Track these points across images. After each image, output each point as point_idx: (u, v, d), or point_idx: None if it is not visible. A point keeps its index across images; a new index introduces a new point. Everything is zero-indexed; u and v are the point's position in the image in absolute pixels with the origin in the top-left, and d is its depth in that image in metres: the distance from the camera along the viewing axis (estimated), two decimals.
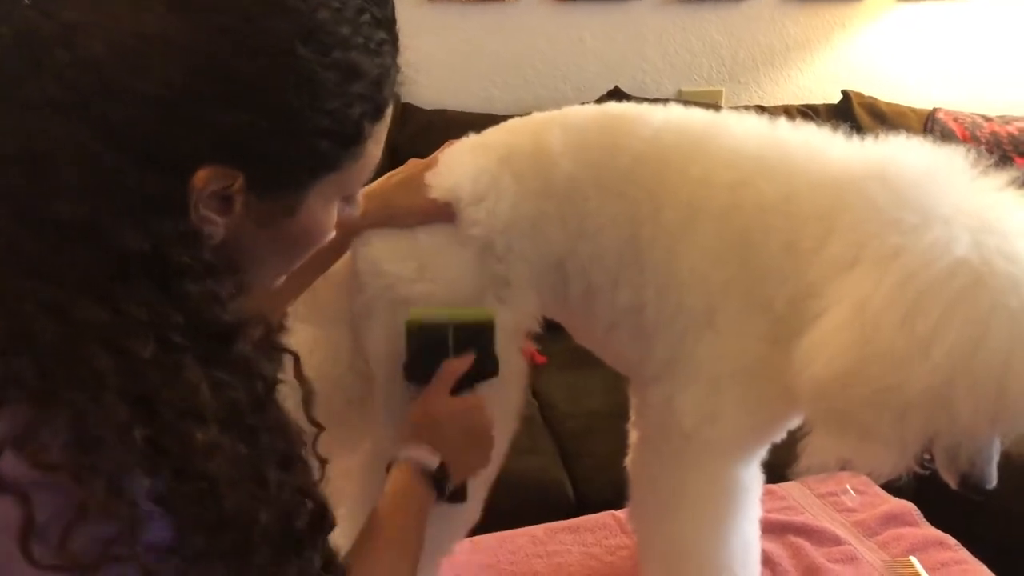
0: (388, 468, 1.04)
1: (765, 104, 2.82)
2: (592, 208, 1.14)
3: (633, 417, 1.28)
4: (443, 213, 1.14)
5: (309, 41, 0.68)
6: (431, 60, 2.63)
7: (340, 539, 1.17)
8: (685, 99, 2.81)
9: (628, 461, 1.27)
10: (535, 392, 2.09)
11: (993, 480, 0.98)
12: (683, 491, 1.19)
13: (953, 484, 1.00)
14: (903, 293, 0.92)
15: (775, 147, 1.09)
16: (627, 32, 2.77)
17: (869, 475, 1.07)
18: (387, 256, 1.15)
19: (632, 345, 1.19)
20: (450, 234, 1.15)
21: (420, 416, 1.07)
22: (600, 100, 2.61)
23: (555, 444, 1.97)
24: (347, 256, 1.19)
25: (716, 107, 2.71)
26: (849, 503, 1.61)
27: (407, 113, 2.48)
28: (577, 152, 1.15)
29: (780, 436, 1.18)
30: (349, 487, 1.23)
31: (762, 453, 1.22)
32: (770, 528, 1.49)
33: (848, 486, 1.63)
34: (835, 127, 1.11)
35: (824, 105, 2.83)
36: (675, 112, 1.18)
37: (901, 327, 0.91)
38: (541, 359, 2.17)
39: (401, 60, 0.77)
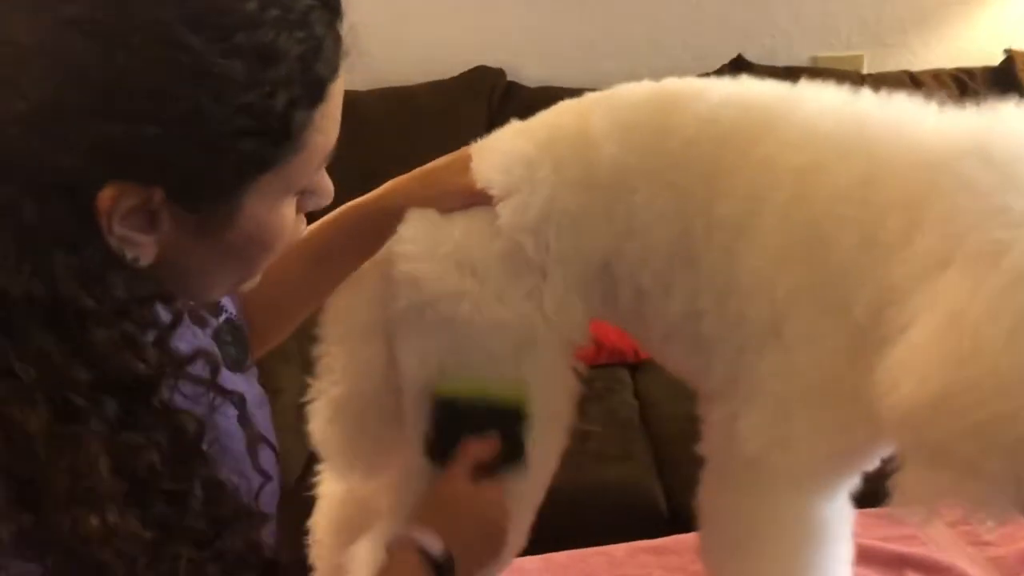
0: (388, 550, 0.94)
1: (914, 69, 2.54)
2: (639, 201, 0.98)
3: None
4: (481, 197, 1.02)
5: (199, 27, 0.59)
6: (535, 33, 2.50)
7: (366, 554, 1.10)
8: (820, 66, 2.56)
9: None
10: (636, 392, 1.94)
11: None
12: (752, 526, 1.03)
13: None
14: (1010, 301, 0.72)
15: (854, 123, 0.90)
16: None
17: (977, 517, 0.87)
18: (424, 257, 1.03)
19: (690, 358, 1.03)
20: (488, 226, 1.02)
21: (433, 497, 0.98)
22: (721, 70, 2.41)
23: (651, 449, 1.81)
24: (378, 267, 1.08)
25: (857, 74, 2.49)
26: (986, 535, 1.38)
27: (510, 92, 2.35)
28: (623, 135, 1.00)
29: (870, 465, 1.00)
30: (381, 505, 1.13)
31: (850, 484, 1.03)
32: (884, 561, 1.30)
33: None
34: (993, 93, 0.91)
35: (982, 68, 2.52)
36: (741, 86, 1.01)
37: (1008, 344, 0.72)
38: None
39: (352, 21, 0.67)
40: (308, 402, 1.13)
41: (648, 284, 1.00)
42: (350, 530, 1.20)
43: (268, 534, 0.73)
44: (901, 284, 0.81)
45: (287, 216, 0.70)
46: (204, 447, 0.67)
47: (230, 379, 0.85)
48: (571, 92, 2.47)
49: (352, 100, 2.40)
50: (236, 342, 0.92)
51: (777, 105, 0.95)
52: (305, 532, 1.28)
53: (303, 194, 0.71)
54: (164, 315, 0.69)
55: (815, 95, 0.96)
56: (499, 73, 2.40)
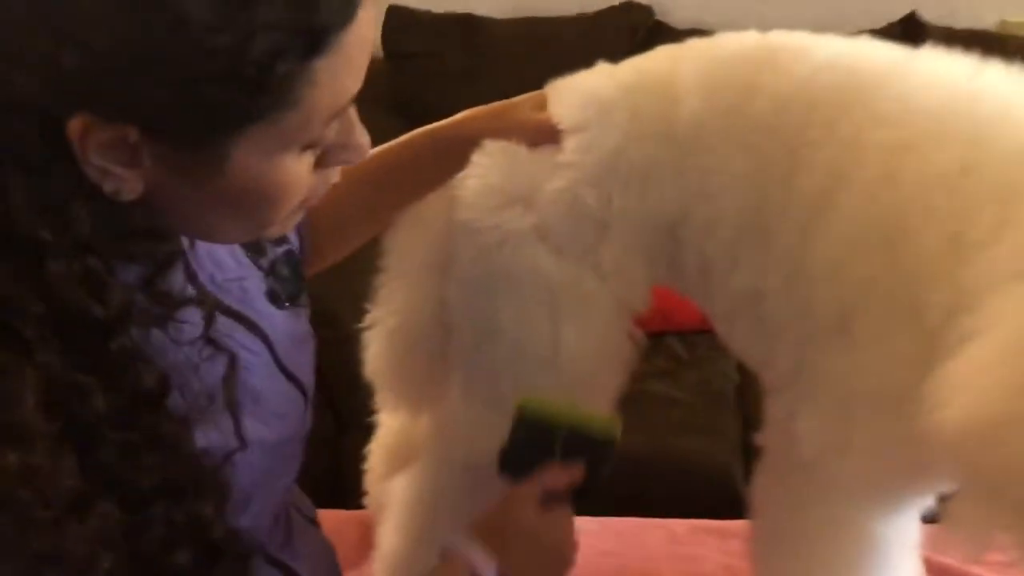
0: (440, 556, 0.89)
1: None
2: (714, 162, 0.89)
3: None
4: (553, 134, 0.95)
5: None
6: None
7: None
8: (1008, 32, 2.32)
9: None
10: (738, 366, 1.83)
11: None
12: (803, 531, 0.95)
13: None
14: None
15: (965, 101, 0.78)
16: None
17: None
18: (488, 194, 0.98)
19: (752, 342, 0.94)
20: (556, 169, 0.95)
21: (499, 517, 0.90)
22: (889, 29, 2.21)
23: (740, 427, 1.71)
24: (443, 203, 1.03)
25: None
26: None
27: (656, 32, 2.24)
28: (710, 90, 0.90)
29: (942, 486, 0.89)
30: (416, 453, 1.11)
31: (918, 503, 0.93)
32: None
33: None
34: None
35: None
36: (855, 47, 0.90)
37: None
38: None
39: None
40: (365, 328, 1.12)
41: (714, 253, 0.92)
42: (399, 461, 1.19)
43: (231, 511, 0.68)
44: (978, 288, 0.71)
45: (292, 170, 0.64)
46: (174, 400, 0.64)
47: (267, 315, 0.82)
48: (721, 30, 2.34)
49: (488, 26, 2.38)
50: (292, 276, 0.90)
51: (885, 72, 0.84)
52: (363, 458, 1.29)
53: (325, 150, 0.66)
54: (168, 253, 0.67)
55: (931, 64, 0.84)
56: (647, 10, 2.29)
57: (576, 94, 0.96)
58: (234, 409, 0.72)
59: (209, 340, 0.69)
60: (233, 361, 0.72)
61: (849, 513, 0.91)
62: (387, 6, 2.23)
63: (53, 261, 0.58)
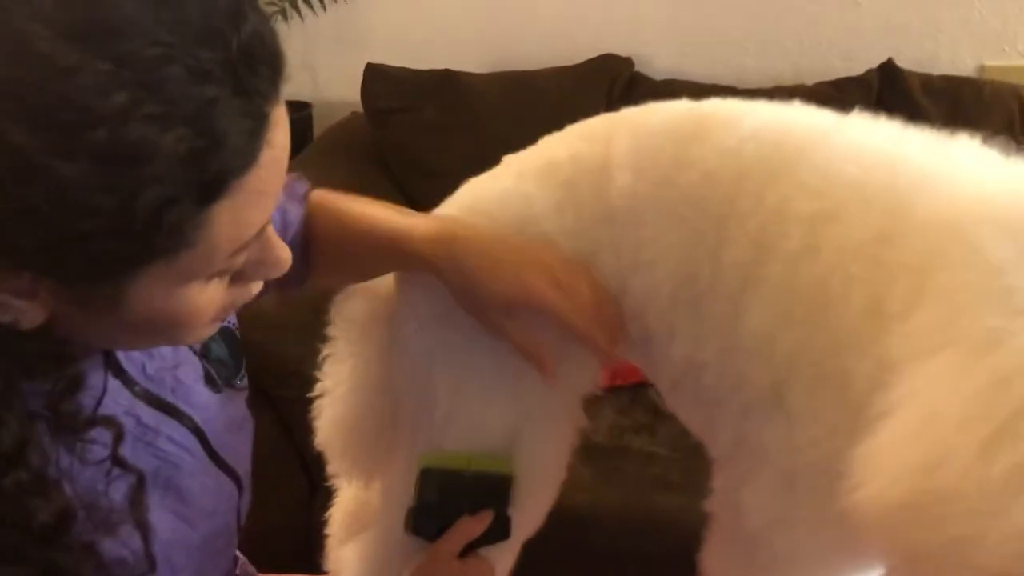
0: None
1: None
2: (648, 234, 0.89)
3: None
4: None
5: (37, 125, 0.52)
6: (672, 22, 2.36)
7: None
8: (987, 77, 2.32)
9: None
10: None
11: None
12: None
13: None
14: (988, 407, 0.61)
15: (887, 169, 0.78)
16: None
17: None
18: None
19: (695, 413, 0.94)
20: None
21: (423, 573, 0.94)
22: (866, 76, 2.21)
23: None
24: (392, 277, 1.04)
25: None
26: None
27: (633, 83, 2.25)
28: (641, 164, 0.91)
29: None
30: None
31: (869, 570, 0.91)
32: None
33: None
34: None
35: None
36: (784, 115, 0.90)
37: (978, 459, 0.61)
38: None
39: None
40: (315, 398, 1.12)
41: (653, 324, 0.91)
42: (358, 526, 1.18)
43: None
44: (896, 362, 0.70)
45: (197, 298, 0.63)
46: (82, 523, 0.63)
47: (201, 405, 0.81)
48: (699, 88, 2.35)
49: (466, 80, 2.37)
50: (229, 355, 0.88)
51: (810, 142, 0.84)
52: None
53: (240, 269, 0.65)
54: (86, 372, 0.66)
55: (856, 132, 0.84)
56: (626, 62, 2.30)
57: (508, 209, 0.95)
58: (144, 531, 0.70)
59: (117, 460, 0.68)
60: (141, 481, 0.70)
61: None
62: (365, 64, 2.25)
63: None
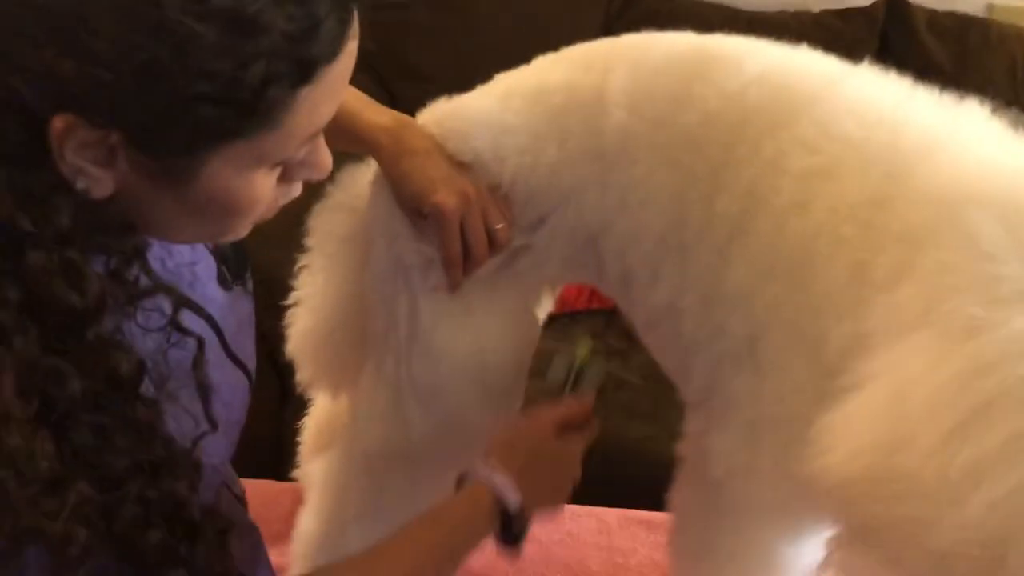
0: (459, 481, 0.91)
1: None
2: (639, 175, 0.87)
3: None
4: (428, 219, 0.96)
5: None
6: None
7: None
8: (996, 16, 2.28)
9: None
10: None
11: None
12: (712, 543, 0.95)
13: None
14: (958, 396, 0.61)
15: (888, 129, 0.76)
16: None
17: None
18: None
19: (671, 356, 0.93)
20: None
21: (525, 442, 0.94)
22: (873, 8, 2.16)
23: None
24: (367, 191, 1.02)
25: None
26: None
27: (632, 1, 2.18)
28: (639, 100, 0.88)
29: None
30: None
31: (826, 527, 0.93)
32: None
33: None
34: None
35: None
36: (790, 60, 0.87)
37: (941, 447, 0.61)
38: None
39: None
40: (290, 307, 1.12)
41: (635, 265, 0.90)
42: (328, 437, 1.20)
43: (204, 490, 0.71)
44: (874, 333, 0.69)
45: (260, 185, 0.66)
46: (145, 385, 0.66)
47: (215, 301, 0.82)
48: (700, 8, 2.29)
49: None
50: (235, 257, 0.90)
51: (814, 94, 0.81)
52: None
53: (290, 166, 0.68)
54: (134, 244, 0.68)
55: (861, 87, 0.81)
56: None
57: (483, 129, 0.94)
58: (205, 392, 0.73)
59: (177, 326, 0.71)
60: (202, 345, 0.73)
61: (756, 531, 0.91)
62: None
63: (33, 251, 0.60)
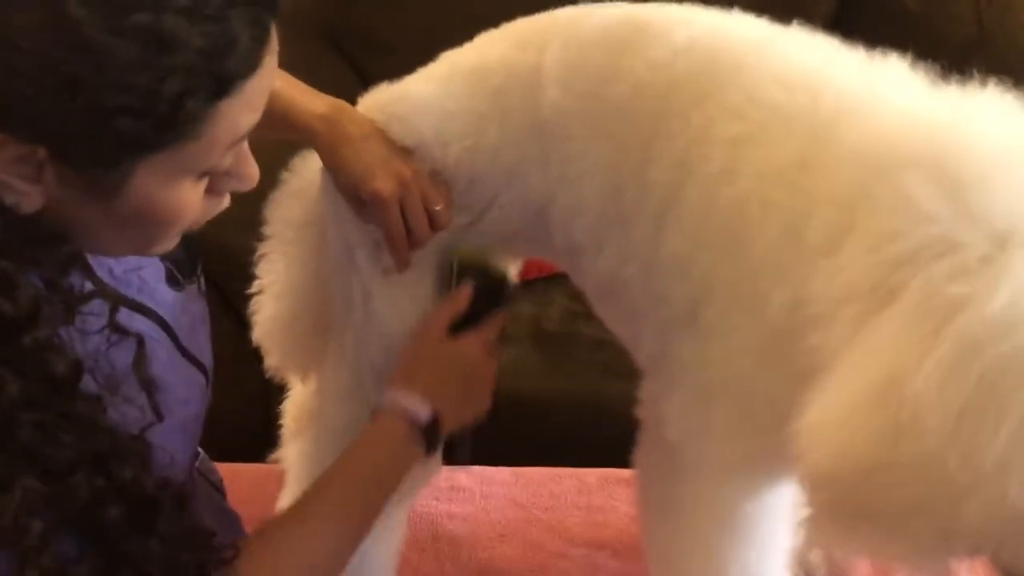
0: (372, 418, 0.93)
1: None
2: (575, 150, 0.89)
3: None
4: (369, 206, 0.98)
5: (93, 3, 0.59)
6: None
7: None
8: None
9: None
10: None
11: None
12: (674, 503, 0.97)
13: None
14: (961, 380, 0.61)
15: (810, 92, 0.77)
16: None
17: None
18: None
19: (620, 324, 0.95)
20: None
21: (413, 356, 0.96)
22: None
23: None
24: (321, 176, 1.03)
25: None
26: None
27: None
28: (571, 76, 0.90)
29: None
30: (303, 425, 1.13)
31: (785, 483, 0.95)
32: None
33: None
34: None
35: None
36: (719, 25, 0.88)
37: (956, 432, 0.61)
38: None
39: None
40: (254, 295, 1.14)
41: (580, 237, 0.92)
42: (306, 420, 1.22)
43: (159, 469, 0.74)
44: (824, 301, 0.70)
45: (185, 196, 0.69)
46: (86, 382, 0.69)
47: (166, 302, 0.85)
48: None
49: None
50: (186, 257, 0.91)
51: (740, 60, 0.82)
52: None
53: (216, 177, 0.71)
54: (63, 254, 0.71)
55: (786, 51, 0.82)
56: None
57: (441, 118, 0.94)
58: (149, 388, 0.77)
59: (116, 327, 0.74)
60: (141, 343, 0.76)
61: (715, 490, 0.93)
62: None
63: None
